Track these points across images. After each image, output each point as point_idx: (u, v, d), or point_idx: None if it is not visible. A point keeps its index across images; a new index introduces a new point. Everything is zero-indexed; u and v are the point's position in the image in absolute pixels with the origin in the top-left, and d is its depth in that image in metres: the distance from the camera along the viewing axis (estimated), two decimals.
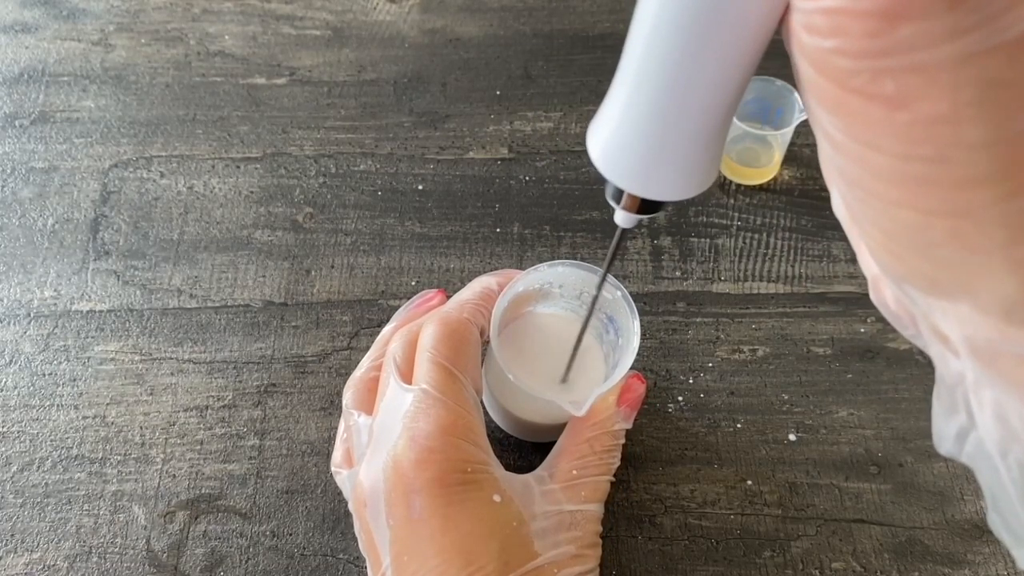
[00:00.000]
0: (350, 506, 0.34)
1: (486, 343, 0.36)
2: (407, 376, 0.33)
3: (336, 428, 0.40)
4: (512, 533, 0.31)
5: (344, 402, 0.36)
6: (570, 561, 0.31)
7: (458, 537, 0.30)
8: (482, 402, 0.41)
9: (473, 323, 0.35)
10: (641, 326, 0.35)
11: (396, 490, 0.31)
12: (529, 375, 0.37)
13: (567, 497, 0.33)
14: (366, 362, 0.37)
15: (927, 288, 0.18)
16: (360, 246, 0.49)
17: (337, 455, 0.36)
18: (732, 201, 0.50)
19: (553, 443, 0.36)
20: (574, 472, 0.33)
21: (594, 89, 0.56)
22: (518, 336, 0.40)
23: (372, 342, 0.38)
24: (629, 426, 0.36)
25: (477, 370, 0.34)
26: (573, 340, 0.35)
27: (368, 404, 0.35)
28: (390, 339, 0.37)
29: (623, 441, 0.35)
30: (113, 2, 0.61)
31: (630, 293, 0.36)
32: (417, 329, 0.35)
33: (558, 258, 0.48)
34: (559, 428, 0.36)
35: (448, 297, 0.38)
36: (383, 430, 0.32)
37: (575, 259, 0.48)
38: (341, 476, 0.35)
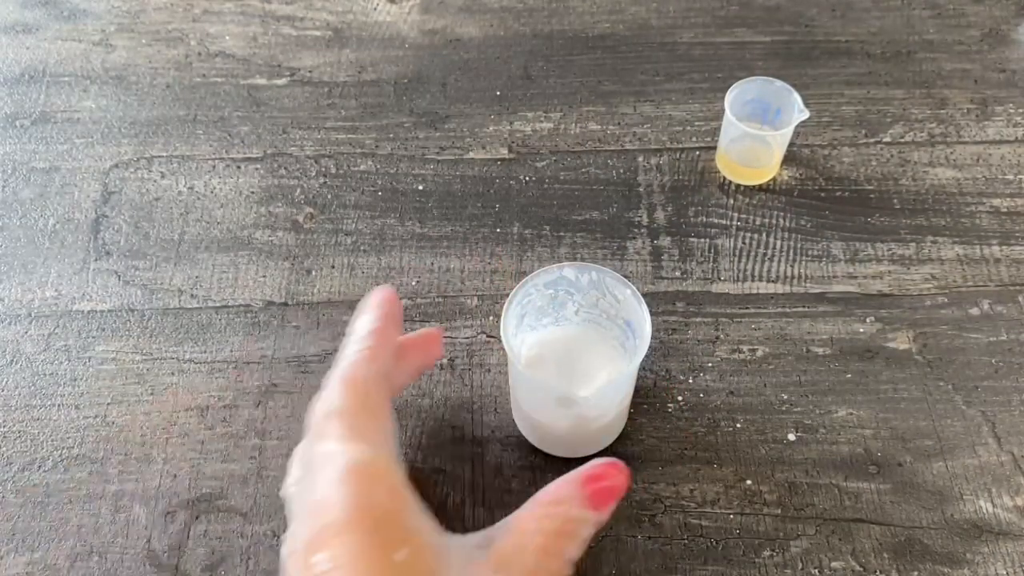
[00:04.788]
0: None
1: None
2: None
3: None
4: None
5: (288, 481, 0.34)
6: None
7: None
8: (514, 418, 0.42)
9: (373, 369, 0.33)
10: None
11: (306, 545, 0.28)
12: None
13: (495, 570, 0.29)
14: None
15: None
16: (360, 246, 0.49)
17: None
18: (731, 201, 0.50)
19: (582, 460, 0.34)
20: (511, 548, 0.29)
21: (594, 89, 0.56)
22: (538, 348, 0.40)
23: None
24: (594, 518, 0.30)
25: (386, 413, 0.33)
26: (594, 351, 0.35)
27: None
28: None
29: (585, 532, 0.30)
30: (114, 3, 0.61)
31: None
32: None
33: (558, 258, 0.48)
34: (582, 440, 0.36)
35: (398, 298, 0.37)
36: (305, 482, 0.31)
37: (575, 259, 0.48)
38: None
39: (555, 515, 0.30)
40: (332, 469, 0.29)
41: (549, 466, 0.37)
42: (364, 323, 0.35)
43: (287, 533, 0.31)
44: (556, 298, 0.39)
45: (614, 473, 0.31)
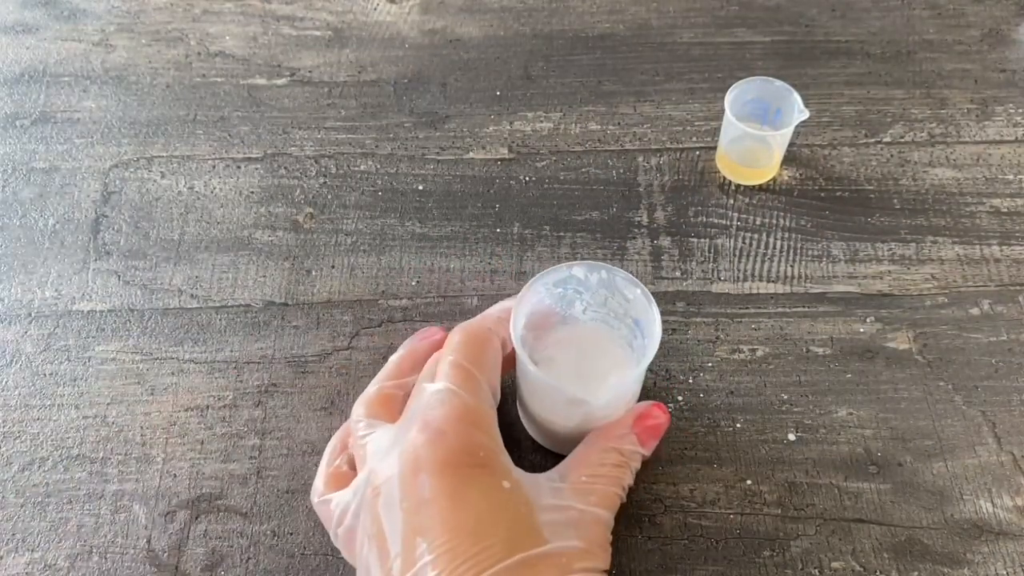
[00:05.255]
0: (338, 531, 0.34)
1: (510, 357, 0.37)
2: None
3: (327, 442, 0.39)
4: (521, 518, 0.31)
5: (354, 417, 0.37)
6: (580, 555, 0.32)
7: (468, 516, 0.30)
8: (519, 415, 0.42)
9: (494, 331, 0.36)
10: None
11: (408, 470, 0.31)
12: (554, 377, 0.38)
13: (576, 498, 0.33)
14: (377, 382, 0.38)
15: None
16: (360, 246, 0.49)
17: (319, 483, 0.36)
18: (731, 201, 0.50)
19: None
20: (584, 478, 0.34)
21: (594, 89, 0.56)
22: (545, 348, 0.40)
23: (372, 342, 0.39)
24: (645, 452, 0.36)
25: (496, 372, 0.36)
26: (602, 351, 0.36)
27: (384, 414, 0.36)
28: (398, 364, 0.39)
29: (637, 465, 0.36)
30: (114, 3, 0.61)
31: None
32: None
33: (558, 258, 0.48)
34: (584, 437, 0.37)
35: (447, 333, 0.39)
36: (404, 424, 0.34)
37: (575, 259, 0.48)
38: (333, 502, 0.35)
39: (613, 450, 0.35)
40: (440, 406, 0.33)
41: (550, 464, 0.37)
42: (509, 301, 0.38)
43: (359, 477, 0.34)
44: (565, 297, 0.39)
45: (659, 412, 0.37)
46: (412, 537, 0.31)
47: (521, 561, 0.30)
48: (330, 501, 0.35)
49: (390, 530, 0.31)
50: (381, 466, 0.33)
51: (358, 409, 0.37)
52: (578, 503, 0.33)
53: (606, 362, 0.40)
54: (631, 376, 0.36)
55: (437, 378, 0.34)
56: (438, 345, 0.38)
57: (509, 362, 0.38)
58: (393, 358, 0.40)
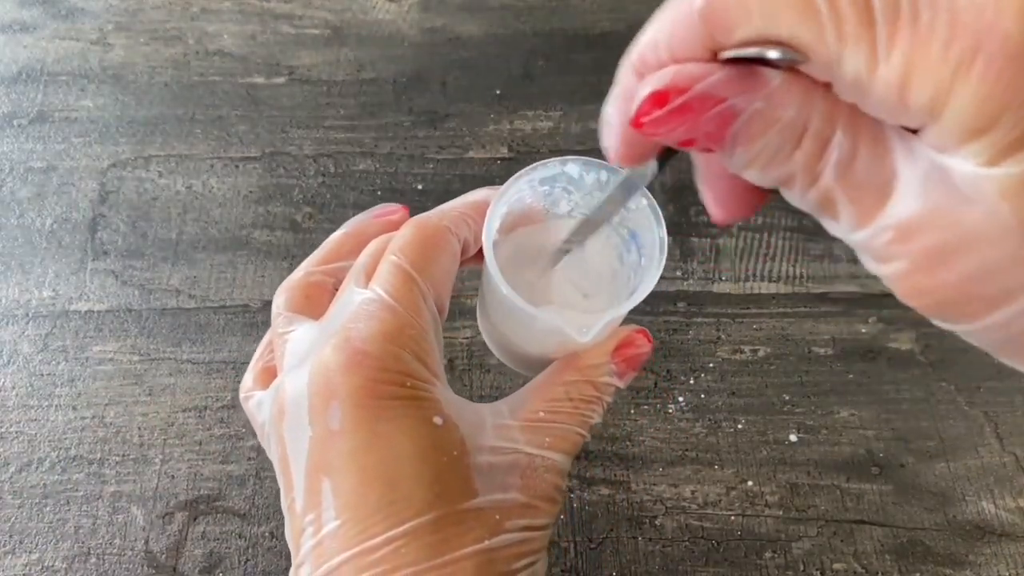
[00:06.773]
0: (263, 430, 0.30)
1: (470, 261, 0.32)
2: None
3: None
4: (451, 463, 0.27)
5: (274, 309, 0.32)
6: (519, 510, 0.27)
7: (384, 457, 0.26)
8: (480, 328, 0.36)
9: (452, 232, 0.30)
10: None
11: (318, 395, 0.27)
12: (528, 294, 0.31)
13: (525, 438, 0.28)
14: (306, 266, 0.33)
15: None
16: None
17: (248, 378, 0.32)
18: None
19: None
20: (541, 414, 0.29)
21: (594, 88, 0.56)
22: (520, 250, 0.33)
23: None
24: (621, 385, 0.31)
25: (446, 283, 0.30)
26: (587, 255, 0.29)
27: (307, 308, 0.31)
28: (336, 245, 0.33)
29: (608, 399, 0.30)
30: (111, 1, 0.61)
31: None
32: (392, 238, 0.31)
33: None
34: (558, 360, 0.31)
35: (410, 215, 0.33)
36: (322, 334, 0.28)
37: None
38: (254, 399, 0.30)
39: (586, 382, 0.29)
40: (367, 320, 0.27)
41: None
42: (481, 192, 0.31)
43: (277, 382, 0.29)
44: (550, 195, 0.32)
45: (643, 340, 0.30)
46: (316, 474, 0.26)
47: (442, 517, 0.25)
48: (253, 398, 0.31)
49: (294, 459, 0.27)
50: (290, 379, 0.28)
51: (278, 298, 0.32)
52: (527, 446, 0.28)
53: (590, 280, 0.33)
54: (626, 308, 0.29)
55: (373, 280, 0.28)
56: (391, 227, 0.32)
57: (470, 258, 0.32)
58: (334, 236, 0.34)
